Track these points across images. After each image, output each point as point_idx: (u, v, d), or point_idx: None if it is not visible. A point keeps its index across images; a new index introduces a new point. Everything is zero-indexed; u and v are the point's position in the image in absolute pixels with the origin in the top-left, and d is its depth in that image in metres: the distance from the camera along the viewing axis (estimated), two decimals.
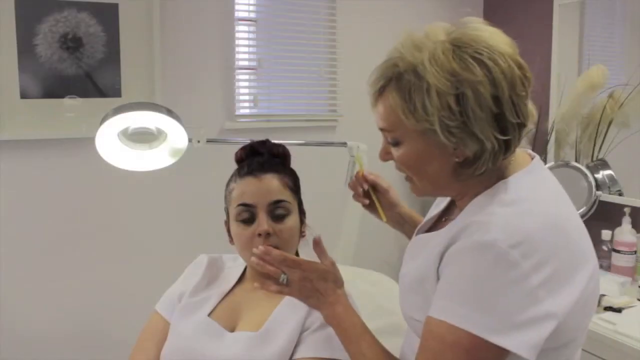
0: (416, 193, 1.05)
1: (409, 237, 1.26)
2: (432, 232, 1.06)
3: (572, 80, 2.57)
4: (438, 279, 0.95)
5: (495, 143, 0.91)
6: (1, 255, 2.21)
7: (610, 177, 2.46)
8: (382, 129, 1.00)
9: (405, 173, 1.03)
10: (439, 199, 1.20)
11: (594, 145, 2.50)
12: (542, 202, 0.95)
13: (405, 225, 1.35)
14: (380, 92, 0.97)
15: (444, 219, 1.12)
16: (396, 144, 0.99)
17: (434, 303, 0.93)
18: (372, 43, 2.90)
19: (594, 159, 2.50)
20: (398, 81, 0.93)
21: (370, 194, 1.32)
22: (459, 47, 0.90)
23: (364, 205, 1.34)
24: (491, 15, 3.03)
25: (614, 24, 2.61)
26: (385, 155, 1.03)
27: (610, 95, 2.45)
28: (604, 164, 2.48)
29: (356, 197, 1.34)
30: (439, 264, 0.96)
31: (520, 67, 0.92)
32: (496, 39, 0.92)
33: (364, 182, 1.31)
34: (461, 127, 0.89)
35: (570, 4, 2.60)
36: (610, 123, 2.44)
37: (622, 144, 2.41)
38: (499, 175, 0.97)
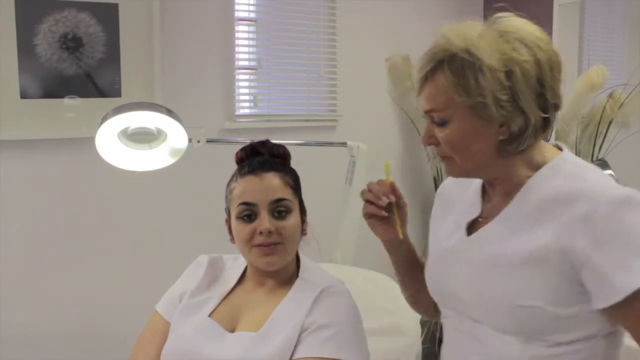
0: (453, 174, 1.07)
1: (398, 259, 1.22)
2: (510, 212, 1.03)
3: (572, 80, 2.57)
4: (564, 252, 0.94)
5: (538, 119, 0.98)
6: (1, 255, 2.21)
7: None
8: (429, 111, 1.02)
9: (448, 154, 1.03)
10: (444, 208, 1.19)
11: (594, 145, 2.50)
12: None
13: (403, 245, 1.22)
14: (429, 75, 1.00)
15: (480, 219, 1.10)
16: (443, 123, 1.01)
17: (616, 277, 0.91)
18: (372, 43, 2.90)
19: (594, 159, 2.50)
20: (450, 62, 0.97)
21: (391, 206, 1.15)
22: (504, 33, 0.98)
23: (368, 217, 1.16)
24: (491, 15, 3.02)
25: (614, 24, 2.61)
26: (429, 139, 1.04)
27: (610, 95, 2.46)
28: (604, 164, 2.48)
29: (374, 208, 1.14)
30: (567, 237, 0.94)
31: (556, 54, 1.01)
32: (534, 28, 1.02)
33: (391, 193, 1.14)
34: (511, 102, 0.95)
35: (570, 4, 2.60)
36: (610, 123, 2.44)
37: (622, 144, 2.41)
38: (538, 160, 1.03)
